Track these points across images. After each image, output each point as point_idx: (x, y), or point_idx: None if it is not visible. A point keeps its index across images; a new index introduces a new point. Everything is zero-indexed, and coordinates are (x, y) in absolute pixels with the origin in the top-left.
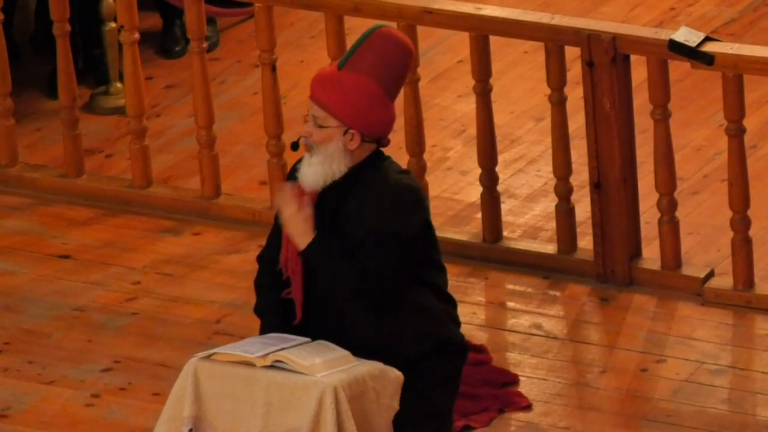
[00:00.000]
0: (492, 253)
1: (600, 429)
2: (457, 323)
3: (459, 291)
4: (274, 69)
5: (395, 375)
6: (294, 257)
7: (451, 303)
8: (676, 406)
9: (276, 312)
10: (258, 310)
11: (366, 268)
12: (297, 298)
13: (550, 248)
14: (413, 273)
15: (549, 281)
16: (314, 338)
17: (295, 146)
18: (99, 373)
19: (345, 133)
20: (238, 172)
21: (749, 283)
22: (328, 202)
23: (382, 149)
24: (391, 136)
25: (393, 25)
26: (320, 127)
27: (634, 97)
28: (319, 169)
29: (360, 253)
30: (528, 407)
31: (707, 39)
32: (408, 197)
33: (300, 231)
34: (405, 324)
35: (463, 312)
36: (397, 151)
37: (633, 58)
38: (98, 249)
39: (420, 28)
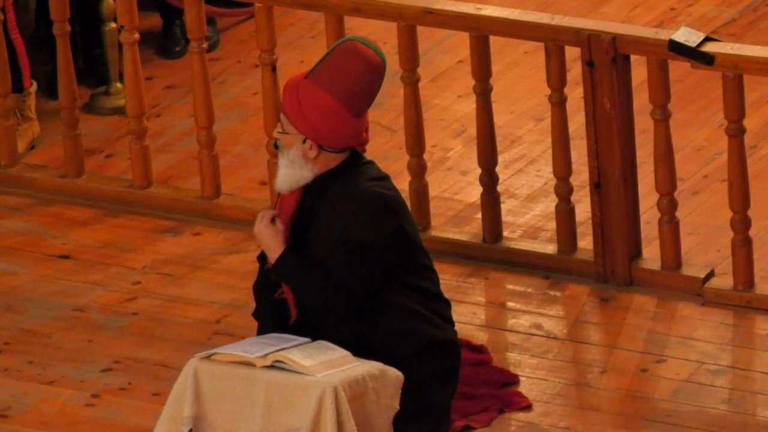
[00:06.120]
0: (492, 253)
1: (600, 429)
2: (448, 321)
3: (459, 291)
4: (274, 69)
5: (395, 375)
6: None
7: (441, 302)
8: (676, 406)
9: (272, 313)
10: (255, 313)
11: (334, 278)
12: (289, 298)
13: (550, 248)
14: (393, 276)
15: (549, 281)
16: (310, 337)
17: (276, 145)
18: (99, 373)
19: (304, 141)
20: (238, 172)
21: (749, 283)
22: (306, 210)
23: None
24: (390, 136)
25: (393, 25)
26: (283, 132)
27: (634, 97)
28: (284, 172)
29: (329, 263)
30: (528, 407)
31: (707, 39)
32: (374, 206)
33: (269, 245)
34: (387, 325)
35: (463, 312)
36: (397, 152)
37: (633, 58)
38: (98, 249)
39: (420, 28)
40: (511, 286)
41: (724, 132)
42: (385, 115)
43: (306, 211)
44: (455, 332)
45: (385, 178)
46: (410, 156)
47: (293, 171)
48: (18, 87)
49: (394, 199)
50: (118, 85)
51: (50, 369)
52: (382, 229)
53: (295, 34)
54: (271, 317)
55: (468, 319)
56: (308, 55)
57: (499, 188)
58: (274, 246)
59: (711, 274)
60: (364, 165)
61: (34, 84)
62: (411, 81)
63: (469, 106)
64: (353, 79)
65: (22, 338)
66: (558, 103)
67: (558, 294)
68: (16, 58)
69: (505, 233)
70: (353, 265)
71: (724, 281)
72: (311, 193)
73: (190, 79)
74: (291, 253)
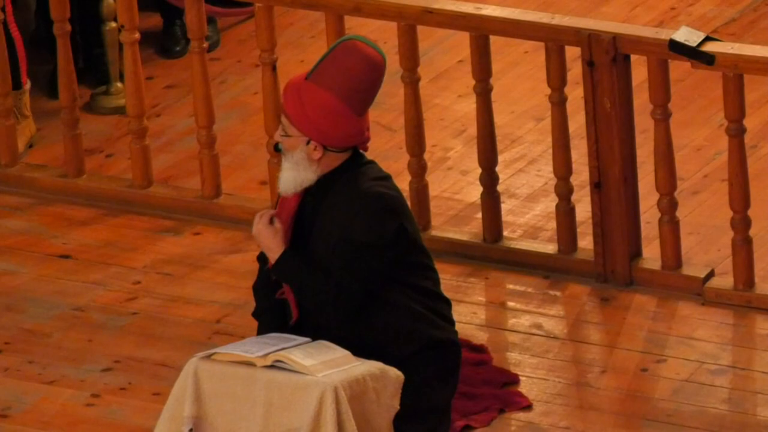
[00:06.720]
0: (492, 253)
1: (600, 429)
2: (449, 321)
3: (459, 291)
4: (274, 69)
5: (395, 374)
6: None
7: (441, 301)
8: (677, 406)
9: (272, 313)
10: (255, 313)
11: (335, 278)
12: (290, 298)
13: (551, 248)
14: (394, 276)
15: (549, 281)
16: (311, 337)
17: (277, 148)
18: (99, 373)
19: (308, 143)
20: (238, 172)
21: (749, 283)
22: (307, 210)
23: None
24: (391, 136)
25: (393, 25)
26: (285, 135)
27: (634, 97)
28: (288, 175)
29: (330, 263)
30: (528, 407)
31: (707, 39)
32: (376, 206)
33: (269, 246)
34: (388, 325)
35: (463, 312)
36: (397, 151)
37: (633, 58)
38: (98, 249)
39: (420, 28)
40: (511, 286)
41: (724, 132)
42: (385, 114)
43: (307, 212)
44: (456, 332)
45: (386, 177)
46: (410, 156)
47: (297, 173)
48: (16, 84)
49: (395, 199)
50: (119, 84)
51: (50, 369)
52: (383, 229)
53: (295, 34)
54: (271, 317)
55: (468, 318)
56: (308, 55)
57: (499, 188)
58: (273, 246)
59: (711, 274)
60: (366, 165)
61: (29, 81)
62: (411, 81)
63: (469, 106)
64: (356, 78)
65: (22, 338)
66: (558, 102)
67: (558, 294)
68: (15, 54)
69: (505, 233)
70: (354, 264)
71: (724, 281)
72: (312, 193)
73: (190, 79)
74: (291, 252)
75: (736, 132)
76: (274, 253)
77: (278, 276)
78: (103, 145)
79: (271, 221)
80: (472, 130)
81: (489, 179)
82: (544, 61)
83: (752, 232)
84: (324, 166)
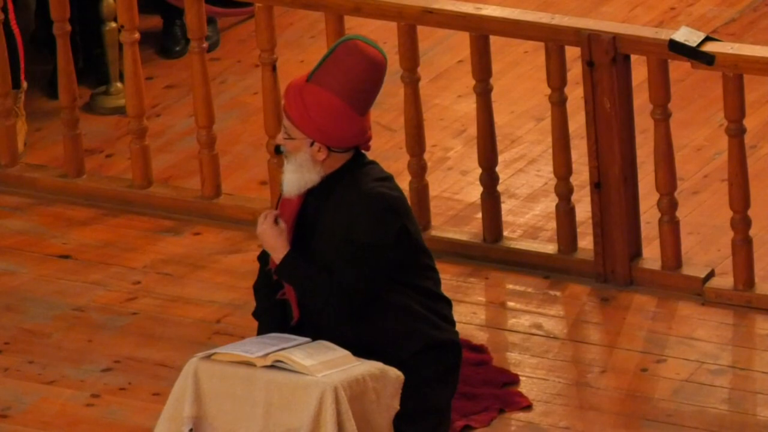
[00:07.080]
0: (492, 253)
1: (600, 429)
2: (449, 321)
3: (459, 291)
4: (274, 69)
5: (395, 375)
6: None
7: (442, 302)
8: (677, 406)
9: (273, 313)
10: (255, 313)
11: (338, 278)
12: (291, 298)
13: (551, 248)
14: (395, 277)
15: (549, 281)
16: (311, 337)
17: (278, 150)
18: (99, 373)
19: (311, 144)
20: (238, 172)
21: (749, 283)
22: (309, 211)
23: (366, 153)
24: (391, 136)
25: (393, 25)
26: (288, 137)
27: (634, 97)
28: (292, 177)
29: (333, 263)
30: (528, 407)
31: (707, 39)
32: (379, 206)
33: (273, 246)
34: (388, 326)
35: (463, 312)
36: (397, 151)
37: (633, 58)
38: (98, 249)
39: (420, 28)
40: (511, 286)
41: (724, 132)
42: (385, 114)
43: (309, 212)
44: (456, 332)
45: (388, 178)
46: (410, 156)
47: (301, 175)
48: (16, 83)
49: (397, 200)
50: (118, 84)
51: (50, 369)
52: (385, 229)
53: (295, 34)
54: (271, 317)
55: (468, 319)
56: (308, 55)
57: (499, 188)
58: (278, 246)
59: (711, 274)
60: (368, 165)
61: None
62: (411, 81)
63: (469, 106)
64: (358, 78)
65: (22, 338)
66: (558, 102)
67: (558, 294)
68: (17, 52)
69: (505, 233)
70: (357, 265)
71: (724, 281)
72: (314, 194)
73: (190, 79)
74: (295, 253)
75: (736, 132)
76: (278, 253)
77: (281, 276)
78: (103, 145)
79: (275, 221)
80: (472, 130)
81: (489, 179)
82: (544, 61)
83: (752, 232)
84: (327, 166)
